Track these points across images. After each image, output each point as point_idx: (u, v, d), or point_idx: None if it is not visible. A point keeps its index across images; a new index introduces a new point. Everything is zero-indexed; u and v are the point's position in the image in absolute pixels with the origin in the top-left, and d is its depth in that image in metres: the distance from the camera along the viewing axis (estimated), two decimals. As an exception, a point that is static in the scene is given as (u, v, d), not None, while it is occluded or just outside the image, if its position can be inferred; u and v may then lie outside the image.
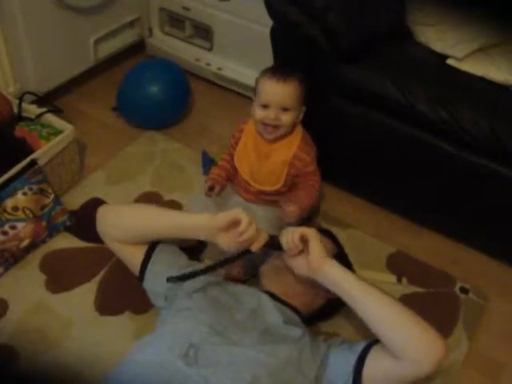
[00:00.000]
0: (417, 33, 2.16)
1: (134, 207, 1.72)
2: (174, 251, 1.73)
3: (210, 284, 1.62)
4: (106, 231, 1.71)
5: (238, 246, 1.53)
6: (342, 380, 1.42)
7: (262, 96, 1.85)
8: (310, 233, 1.51)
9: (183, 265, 1.68)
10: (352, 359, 1.44)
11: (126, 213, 1.71)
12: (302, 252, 1.53)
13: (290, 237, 1.51)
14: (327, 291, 1.67)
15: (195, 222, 1.58)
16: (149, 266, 1.67)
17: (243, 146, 2.00)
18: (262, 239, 1.53)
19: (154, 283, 1.67)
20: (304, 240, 1.51)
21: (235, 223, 1.50)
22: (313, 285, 1.65)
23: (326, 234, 1.83)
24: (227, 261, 1.58)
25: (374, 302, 1.45)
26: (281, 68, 1.86)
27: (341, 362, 1.45)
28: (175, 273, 1.62)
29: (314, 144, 1.98)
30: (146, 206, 1.71)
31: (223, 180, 2.04)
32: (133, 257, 1.70)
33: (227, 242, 1.54)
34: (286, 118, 1.86)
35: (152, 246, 1.68)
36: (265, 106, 1.85)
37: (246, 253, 1.55)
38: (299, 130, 1.95)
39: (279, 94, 1.82)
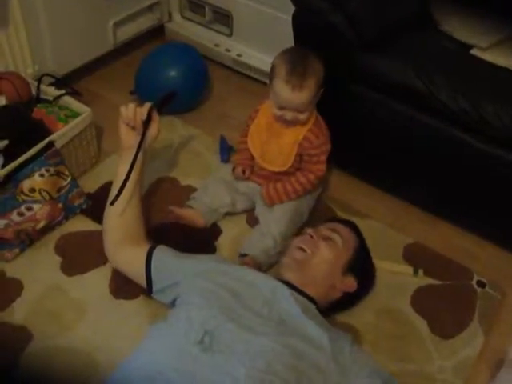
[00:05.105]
0: (440, 21, 2.13)
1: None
2: (171, 250, 1.77)
3: (223, 272, 1.61)
4: (106, 241, 1.80)
5: (136, 125, 1.77)
6: None
7: (277, 98, 1.86)
8: None
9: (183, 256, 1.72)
10: None
11: (105, 211, 1.81)
12: None
13: None
14: (344, 285, 1.67)
15: (120, 159, 1.82)
16: (151, 270, 1.70)
17: (257, 125, 2.03)
18: (144, 109, 1.77)
19: (158, 281, 1.69)
20: None
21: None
22: (331, 279, 1.66)
23: (348, 224, 1.82)
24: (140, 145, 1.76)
25: None
26: (297, 67, 1.80)
27: None
28: (174, 260, 1.70)
29: (329, 132, 1.99)
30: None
31: (250, 162, 2.08)
32: (135, 268, 1.73)
33: (135, 136, 1.78)
34: (304, 116, 1.89)
35: (149, 254, 1.72)
36: (281, 108, 1.86)
37: (147, 124, 1.78)
38: (314, 113, 1.95)
39: (295, 101, 1.83)
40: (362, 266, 1.75)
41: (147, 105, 1.78)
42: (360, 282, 1.72)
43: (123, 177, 1.72)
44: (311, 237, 1.72)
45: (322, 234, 1.73)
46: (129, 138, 1.79)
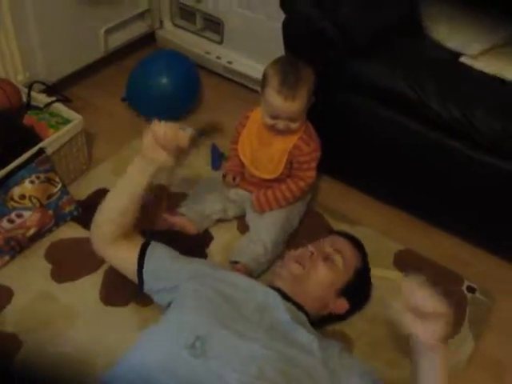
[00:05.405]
0: (430, 29, 2.15)
1: (105, 198, 1.74)
2: (165, 249, 1.75)
3: (215, 277, 1.61)
4: (97, 237, 1.74)
5: (170, 151, 1.59)
6: None
7: (269, 108, 1.86)
8: (446, 313, 1.35)
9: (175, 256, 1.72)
10: None
11: (100, 209, 1.73)
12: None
13: (420, 302, 1.36)
14: (336, 307, 1.67)
15: (137, 165, 1.66)
16: (144, 270, 1.68)
17: (247, 133, 2.03)
18: (186, 134, 1.58)
19: (154, 282, 1.68)
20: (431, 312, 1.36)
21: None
22: (324, 298, 1.64)
23: (352, 241, 1.77)
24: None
25: None
26: (289, 77, 1.80)
27: None
28: (170, 264, 1.68)
29: (319, 139, 1.99)
30: (108, 194, 1.75)
31: (240, 169, 2.08)
32: (128, 264, 1.71)
33: (164, 155, 1.60)
34: (296, 125, 1.89)
35: (142, 251, 1.70)
36: (273, 117, 1.86)
37: (181, 157, 1.63)
38: (304, 121, 1.95)
39: (287, 110, 1.84)
40: (357, 290, 1.72)
41: (188, 132, 1.60)
42: (352, 304, 1.70)
43: (131, 182, 1.68)
44: (312, 253, 1.67)
45: (323, 251, 1.67)
46: (153, 153, 1.61)
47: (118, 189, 1.72)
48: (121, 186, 1.71)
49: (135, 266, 1.68)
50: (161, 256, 1.71)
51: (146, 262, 1.68)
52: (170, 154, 1.61)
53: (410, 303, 1.36)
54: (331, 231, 1.92)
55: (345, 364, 1.46)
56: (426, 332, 1.35)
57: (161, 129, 1.56)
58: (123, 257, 1.73)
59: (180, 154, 1.63)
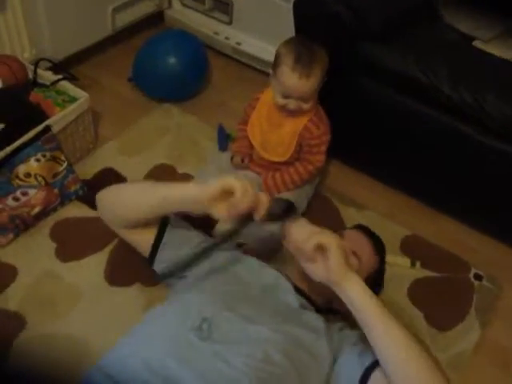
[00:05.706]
0: (445, 14, 2.12)
1: (127, 186, 1.58)
2: (184, 232, 1.64)
3: (226, 257, 1.59)
4: (108, 219, 1.63)
5: (236, 217, 1.34)
6: None
7: (282, 87, 1.83)
8: (330, 243, 1.31)
9: (194, 244, 1.61)
10: (358, 372, 1.35)
11: (119, 195, 1.57)
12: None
13: (304, 244, 1.34)
14: (343, 307, 1.60)
15: (184, 192, 1.41)
16: (159, 251, 1.60)
17: (257, 114, 2.01)
18: (263, 206, 1.34)
19: (166, 265, 1.60)
20: (321, 249, 1.33)
21: (229, 192, 1.32)
22: (332, 296, 1.50)
23: (373, 240, 1.68)
24: (222, 241, 1.45)
25: (387, 337, 1.30)
26: (303, 56, 1.78)
27: (348, 369, 1.38)
28: (186, 252, 1.57)
29: (330, 122, 1.97)
30: (137, 183, 1.59)
31: (248, 150, 2.06)
32: (142, 242, 1.62)
33: (225, 214, 1.34)
34: (307, 106, 1.87)
35: (162, 228, 1.60)
36: (286, 96, 1.84)
37: (246, 223, 1.37)
38: (315, 103, 1.93)
39: (301, 89, 1.81)
40: None
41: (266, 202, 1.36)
42: None
43: (165, 200, 1.45)
44: None
45: None
46: (210, 205, 1.35)
47: (147, 194, 1.51)
48: (151, 195, 1.50)
49: (149, 249, 1.59)
50: (176, 242, 1.60)
51: (160, 248, 1.59)
52: (231, 216, 1.34)
53: (297, 249, 1.36)
54: (355, 225, 1.82)
55: (344, 335, 1.46)
56: (323, 270, 1.34)
57: (243, 187, 1.31)
58: (136, 238, 1.63)
59: (246, 221, 1.39)
